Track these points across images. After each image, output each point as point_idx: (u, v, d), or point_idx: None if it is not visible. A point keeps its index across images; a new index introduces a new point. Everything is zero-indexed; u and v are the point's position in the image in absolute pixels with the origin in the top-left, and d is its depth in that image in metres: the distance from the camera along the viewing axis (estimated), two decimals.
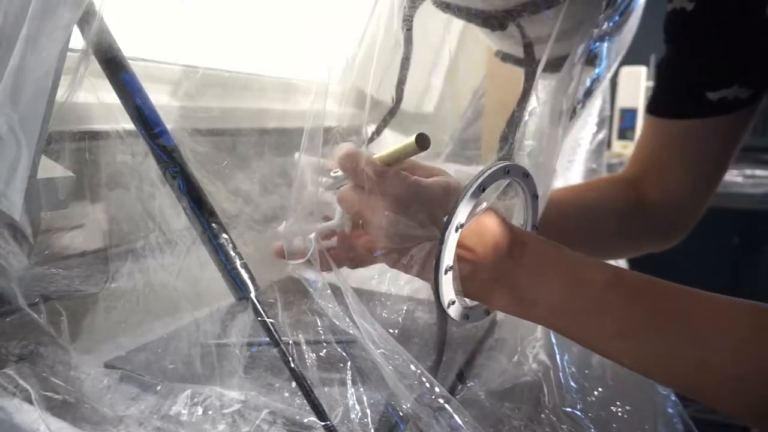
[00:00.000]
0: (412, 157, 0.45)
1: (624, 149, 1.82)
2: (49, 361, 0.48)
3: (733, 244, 2.01)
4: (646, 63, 1.79)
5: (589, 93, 0.69)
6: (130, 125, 0.45)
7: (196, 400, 0.46)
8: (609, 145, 1.79)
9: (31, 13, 0.38)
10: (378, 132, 0.59)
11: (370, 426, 0.43)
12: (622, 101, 1.88)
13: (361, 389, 0.45)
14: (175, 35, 0.65)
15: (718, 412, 0.38)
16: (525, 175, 0.47)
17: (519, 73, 0.54)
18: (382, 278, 0.72)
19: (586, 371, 0.59)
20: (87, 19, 0.41)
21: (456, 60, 0.79)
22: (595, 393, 0.56)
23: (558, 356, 0.58)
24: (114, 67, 0.43)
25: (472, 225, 0.43)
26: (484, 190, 0.43)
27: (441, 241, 0.42)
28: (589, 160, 1.14)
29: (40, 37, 0.39)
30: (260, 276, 0.46)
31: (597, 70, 0.68)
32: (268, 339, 0.44)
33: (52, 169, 0.46)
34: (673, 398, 0.62)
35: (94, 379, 0.48)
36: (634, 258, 0.78)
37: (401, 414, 0.43)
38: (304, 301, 0.48)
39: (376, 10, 0.46)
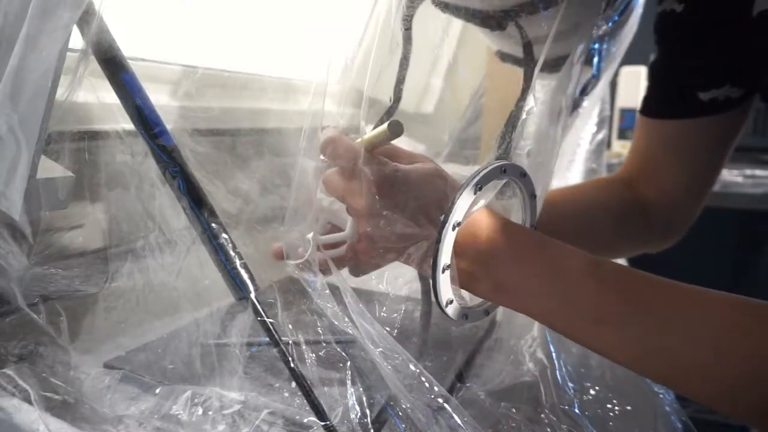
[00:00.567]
0: (395, 144, 0.46)
1: (624, 149, 1.82)
2: (48, 361, 0.48)
3: (733, 244, 2.01)
4: (646, 63, 1.78)
5: (584, 92, 0.70)
6: (129, 125, 0.45)
7: (196, 400, 0.46)
8: (609, 145, 1.79)
9: (31, 13, 0.38)
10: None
11: (370, 426, 0.43)
12: (622, 101, 1.88)
13: (361, 389, 0.45)
14: (175, 35, 0.65)
15: (717, 412, 0.39)
16: (522, 175, 0.47)
17: (518, 73, 0.54)
18: (381, 278, 0.72)
19: (583, 370, 0.59)
20: (87, 19, 0.41)
21: (455, 60, 0.79)
22: (592, 392, 0.56)
23: (554, 355, 0.58)
24: (114, 67, 0.44)
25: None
26: (480, 188, 0.43)
27: (438, 240, 0.42)
28: (589, 160, 1.14)
29: (40, 37, 0.39)
30: (260, 276, 0.46)
31: (594, 70, 0.69)
32: (267, 339, 0.44)
33: (51, 169, 0.46)
34: (672, 397, 0.62)
35: (94, 379, 0.48)
36: (633, 258, 0.78)
37: (400, 414, 0.43)
38: (303, 301, 0.48)
39: (376, 10, 0.46)
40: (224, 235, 0.46)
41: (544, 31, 0.50)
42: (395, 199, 0.44)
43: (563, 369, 0.57)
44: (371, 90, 0.45)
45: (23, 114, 0.40)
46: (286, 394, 0.48)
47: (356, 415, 0.43)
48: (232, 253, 0.45)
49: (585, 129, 1.13)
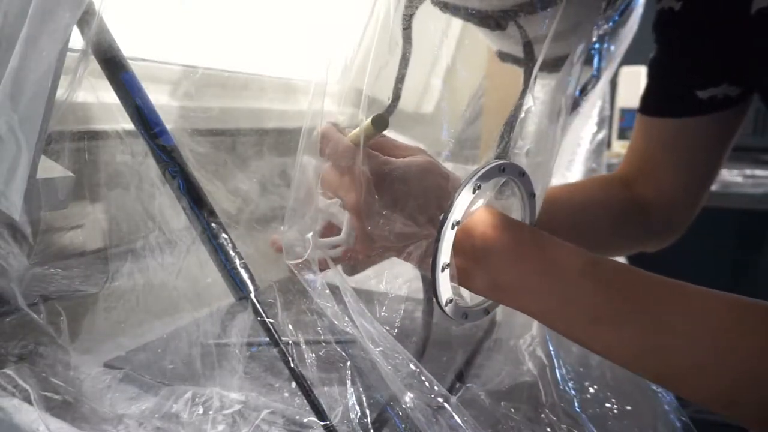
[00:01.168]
0: (390, 137, 0.46)
1: (624, 149, 1.81)
2: (48, 361, 0.48)
3: (733, 244, 2.01)
4: (646, 63, 1.79)
5: (583, 92, 0.70)
6: (129, 125, 0.45)
7: (196, 400, 0.46)
8: (609, 144, 1.79)
9: (31, 13, 0.38)
10: None
11: (370, 426, 0.43)
12: (622, 101, 1.88)
13: (361, 389, 0.45)
14: (175, 35, 0.65)
15: (717, 413, 0.38)
16: (521, 174, 0.47)
17: (518, 73, 0.54)
18: (381, 278, 0.72)
19: (583, 369, 0.59)
20: (87, 19, 0.41)
21: (455, 60, 0.79)
22: (592, 391, 0.56)
23: (554, 354, 0.58)
24: (114, 67, 0.44)
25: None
26: (479, 187, 0.43)
27: (437, 239, 0.42)
28: (589, 159, 1.14)
29: (40, 37, 0.39)
30: (260, 276, 0.46)
31: (594, 70, 0.69)
32: (267, 339, 0.44)
33: (51, 169, 0.47)
34: (672, 398, 0.62)
35: (94, 379, 0.48)
36: (632, 258, 0.78)
37: (400, 413, 0.43)
38: (303, 301, 0.48)
39: (375, 10, 0.46)
40: (224, 235, 0.45)
41: (544, 30, 0.50)
42: (389, 194, 0.44)
43: (563, 368, 0.57)
44: (371, 89, 0.45)
45: (23, 114, 0.40)
46: (286, 394, 0.48)
47: (356, 415, 0.43)
48: (232, 253, 0.45)
49: (585, 129, 1.13)
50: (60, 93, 0.43)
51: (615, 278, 0.41)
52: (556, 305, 0.42)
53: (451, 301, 0.44)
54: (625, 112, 1.88)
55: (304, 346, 0.47)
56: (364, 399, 0.44)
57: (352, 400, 0.44)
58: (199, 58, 0.64)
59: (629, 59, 0.83)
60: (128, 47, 0.45)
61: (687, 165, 0.64)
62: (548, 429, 0.49)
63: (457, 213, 0.42)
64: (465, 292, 0.47)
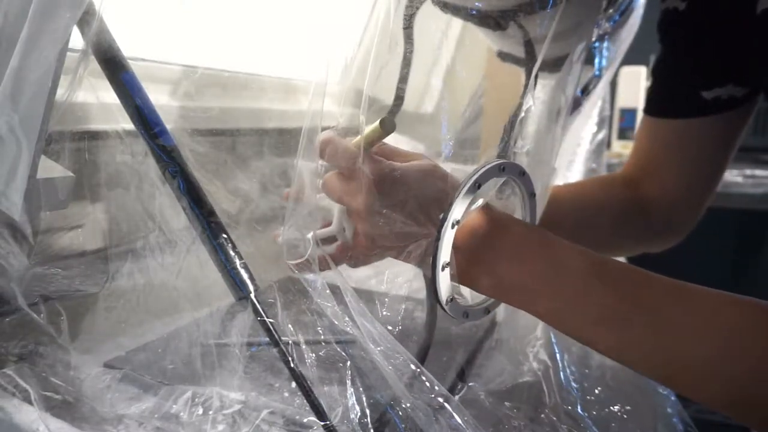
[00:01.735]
0: (392, 144, 0.47)
1: (624, 149, 1.82)
2: (49, 361, 0.48)
3: (733, 244, 2.01)
4: (646, 63, 1.79)
5: (584, 91, 0.69)
6: (129, 125, 0.45)
7: (196, 400, 0.46)
8: (609, 145, 1.79)
9: (31, 13, 0.38)
10: None
11: (370, 426, 0.43)
12: (622, 101, 1.88)
13: (361, 389, 0.45)
14: (175, 35, 0.65)
15: (717, 413, 0.38)
16: (521, 174, 0.47)
17: (518, 73, 0.54)
18: (381, 278, 0.72)
19: (586, 371, 0.59)
20: (87, 19, 0.41)
21: (455, 60, 0.79)
22: (595, 392, 0.56)
23: (558, 355, 0.58)
24: (114, 67, 0.43)
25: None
26: (479, 186, 0.43)
27: (437, 238, 0.42)
28: (589, 160, 1.14)
29: (40, 37, 0.39)
30: (260, 276, 0.46)
31: (595, 70, 0.69)
32: (268, 339, 0.44)
33: (52, 169, 0.46)
34: (673, 398, 0.62)
35: (94, 379, 0.48)
36: (633, 258, 0.78)
37: (401, 413, 0.43)
38: (304, 301, 0.48)
39: (376, 9, 0.46)
40: (224, 235, 0.45)
41: (544, 30, 0.50)
42: (395, 198, 0.44)
43: (567, 369, 0.57)
44: (371, 90, 0.45)
45: (23, 114, 0.40)
46: (286, 394, 0.48)
47: (356, 415, 0.43)
48: (232, 253, 0.45)
49: (585, 129, 1.13)
50: (60, 93, 0.43)
51: (622, 279, 0.41)
52: (563, 305, 0.42)
53: (451, 299, 0.44)
54: (625, 112, 1.88)
55: (304, 346, 0.46)
56: (364, 399, 0.44)
57: (352, 400, 0.44)
58: (199, 58, 0.64)
59: (629, 59, 0.83)
60: (128, 47, 0.45)
61: (691, 166, 0.64)
62: (548, 429, 0.49)
63: (456, 212, 0.42)
64: (465, 291, 0.47)
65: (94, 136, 0.53)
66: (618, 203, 0.66)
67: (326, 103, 0.45)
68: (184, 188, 0.45)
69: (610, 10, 0.60)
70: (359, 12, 0.48)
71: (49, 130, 0.44)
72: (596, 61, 0.68)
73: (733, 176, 1.64)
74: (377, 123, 0.44)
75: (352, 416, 0.43)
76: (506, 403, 0.50)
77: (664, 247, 0.70)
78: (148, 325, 0.59)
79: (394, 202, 0.44)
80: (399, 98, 0.53)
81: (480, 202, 0.45)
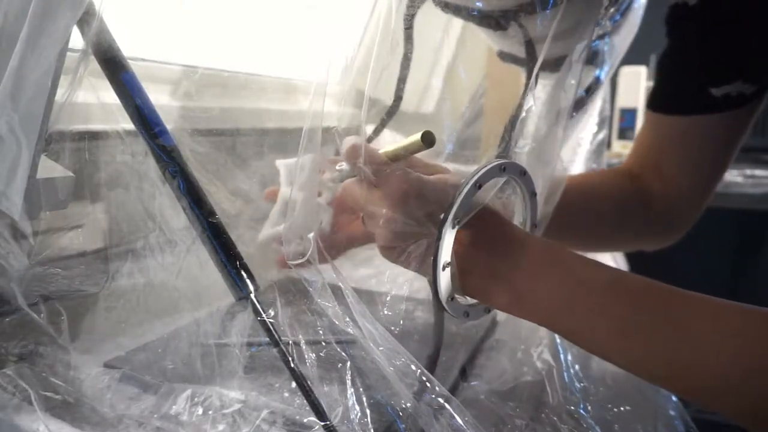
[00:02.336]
0: (392, 145, 0.46)
1: (624, 149, 1.82)
2: (49, 361, 0.48)
3: (733, 244, 2.01)
4: (646, 63, 1.79)
5: (589, 91, 0.69)
6: (130, 125, 0.45)
7: (196, 400, 0.46)
8: (609, 145, 1.79)
9: (31, 13, 0.38)
10: (377, 132, 0.59)
11: (370, 426, 0.43)
12: (622, 101, 1.88)
13: (361, 389, 0.45)
14: (175, 35, 0.65)
15: (717, 413, 0.38)
16: (522, 173, 0.47)
17: (518, 73, 0.54)
18: (381, 278, 0.72)
19: (587, 371, 0.59)
20: (87, 19, 0.41)
21: (455, 60, 0.79)
22: (596, 392, 0.56)
23: (562, 356, 0.58)
24: (114, 67, 0.43)
25: (471, 222, 0.43)
26: (480, 187, 0.43)
27: (438, 238, 0.42)
28: (589, 160, 1.14)
29: (40, 37, 0.39)
30: (260, 276, 0.46)
31: (598, 70, 0.68)
32: (268, 339, 0.44)
33: (52, 169, 0.46)
34: (674, 399, 0.62)
35: (94, 379, 0.48)
36: (633, 258, 0.78)
37: (401, 414, 0.43)
38: (304, 301, 0.48)
39: (376, 9, 0.45)
40: (224, 235, 0.45)
41: (544, 31, 0.50)
42: (416, 214, 0.43)
43: (570, 370, 0.57)
44: (372, 90, 0.45)
45: (23, 114, 0.40)
46: (286, 394, 0.48)
47: (356, 415, 0.43)
48: (232, 253, 0.45)
49: (585, 129, 1.13)
50: (60, 93, 0.43)
51: (640, 294, 0.41)
52: (582, 322, 0.42)
53: (452, 299, 0.44)
54: (625, 112, 1.88)
55: (304, 346, 0.46)
56: (364, 399, 0.44)
57: (352, 400, 0.44)
58: (199, 58, 0.64)
59: (629, 59, 0.83)
60: (128, 47, 0.45)
61: (695, 163, 0.63)
62: (549, 429, 0.49)
63: (457, 211, 0.42)
64: None
65: (95, 136, 0.53)
66: (621, 194, 0.66)
67: (327, 104, 0.45)
68: (184, 188, 0.45)
69: (611, 10, 0.60)
70: (360, 12, 0.48)
71: (49, 130, 0.44)
72: (598, 60, 0.68)
73: (733, 176, 1.64)
74: (418, 136, 0.43)
75: (352, 416, 0.43)
76: (508, 403, 0.50)
77: (662, 245, 0.70)
78: (148, 325, 0.59)
79: (417, 218, 0.43)
80: (399, 98, 0.53)
81: (482, 201, 0.44)
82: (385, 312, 0.57)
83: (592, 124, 1.13)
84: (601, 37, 0.65)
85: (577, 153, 1.10)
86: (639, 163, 0.67)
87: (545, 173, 0.50)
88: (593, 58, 0.67)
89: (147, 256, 0.53)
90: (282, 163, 0.56)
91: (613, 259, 1.02)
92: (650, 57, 1.74)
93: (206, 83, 0.71)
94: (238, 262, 0.45)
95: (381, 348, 0.42)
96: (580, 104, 0.66)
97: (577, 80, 0.52)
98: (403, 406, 0.42)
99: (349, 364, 0.46)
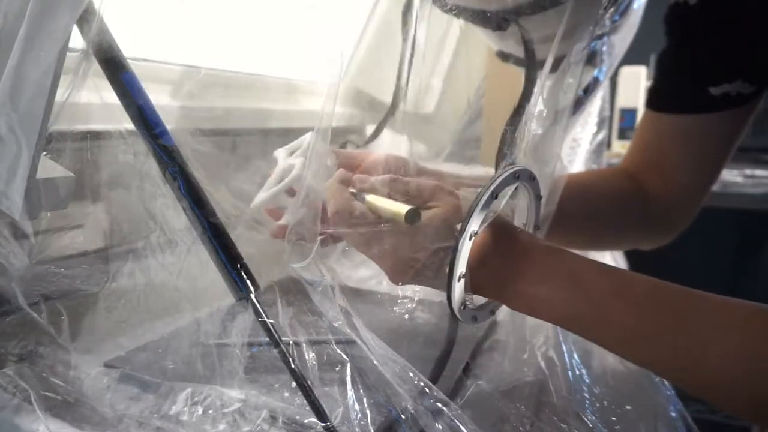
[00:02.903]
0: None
1: (624, 149, 1.82)
2: (49, 361, 0.48)
3: (733, 244, 2.01)
4: (646, 63, 1.79)
5: (587, 91, 0.69)
6: (130, 125, 0.45)
7: (196, 399, 0.46)
8: (609, 145, 1.79)
9: (31, 13, 0.38)
10: (377, 132, 0.59)
11: (370, 426, 0.43)
12: (622, 101, 1.88)
13: (361, 390, 0.45)
14: (176, 35, 0.65)
15: (718, 412, 0.38)
16: (532, 179, 0.47)
17: (519, 73, 0.53)
18: (381, 278, 0.72)
19: (587, 370, 0.59)
20: (87, 19, 0.41)
21: (455, 60, 0.79)
22: (596, 392, 0.56)
23: (566, 355, 0.58)
24: (114, 67, 0.43)
25: (482, 232, 0.44)
26: (496, 196, 0.43)
27: (455, 249, 0.42)
28: (589, 160, 1.14)
29: (40, 37, 0.39)
30: (260, 276, 0.46)
31: (596, 70, 0.68)
32: (268, 339, 0.44)
33: (52, 169, 0.46)
34: (675, 398, 0.62)
35: (94, 379, 0.48)
36: (633, 258, 0.78)
37: (401, 414, 0.43)
38: (304, 301, 0.48)
39: (377, 10, 0.46)
40: (224, 236, 0.45)
41: (544, 31, 0.50)
42: (425, 253, 0.45)
43: (574, 369, 0.57)
44: (372, 90, 0.45)
45: (23, 114, 0.40)
46: (287, 394, 0.48)
47: (356, 416, 0.43)
48: (232, 253, 0.45)
49: (585, 129, 1.13)
50: (60, 93, 0.43)
51: (647, 297, 0.41)
52: (591, 327, 0.43)
53: (464, 307, 0.45)
54: (625, 112, 1.88)
55: (304, 347, 0.46)
56: (364, 399, 0.44)
57: (352, 400, 0.44)
58: (201, 59, 0.64)
59: (629, 59, 0.83)
60: (128, 47, 0.45)
61: (693, 162, 0.64)
62: (553, 428, 0.49)
63: (474, 224, 0.42)
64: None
65: (95, 135, 0.53)
66: (619, 193, 0.66)
67: (326, 104, 0.45)
68: (184, 189, 0.45)
69: (611, 10, 0.60)
70: (360, 12, 0.48)
71: (49, 130, 0.44)
72: (597, 60, 0.68)
73: (733, 176, 1.64)
74: (404, 210, 0.43)
75: (353, 417, 0.43)
76: (510, 402, 0.50)
77: (661, 242, 0.70)
78: (148, 325, 0.59)
79: (423, 255, 0.45)
80: (398, 98, 0.53)
81: (494, 210, 0.45)
82: (385, 312, 0.57)
83: (591, 124, 1.13)
84: (599, 37, 0.65)
85: (577, 153, 1.11)
86: (637, 162, 0.67)
87: (545, 173, 0.50)
88: (591, 58, 0.67)
89: (148, 256, 0.53)
90: (280, 150, 0.56)
91: (613, 259, 1.02)
92: (650, 57, 1.74)
93: (208, 83, 0.71)
94: (238, 263, 0.45)
95: (380, 353, 0.42)
96: (578, 104, 0.66)
97: (577, 80, 0.52)
98: (403, 405, 0.42)
99: (349, 364, 0.46)
